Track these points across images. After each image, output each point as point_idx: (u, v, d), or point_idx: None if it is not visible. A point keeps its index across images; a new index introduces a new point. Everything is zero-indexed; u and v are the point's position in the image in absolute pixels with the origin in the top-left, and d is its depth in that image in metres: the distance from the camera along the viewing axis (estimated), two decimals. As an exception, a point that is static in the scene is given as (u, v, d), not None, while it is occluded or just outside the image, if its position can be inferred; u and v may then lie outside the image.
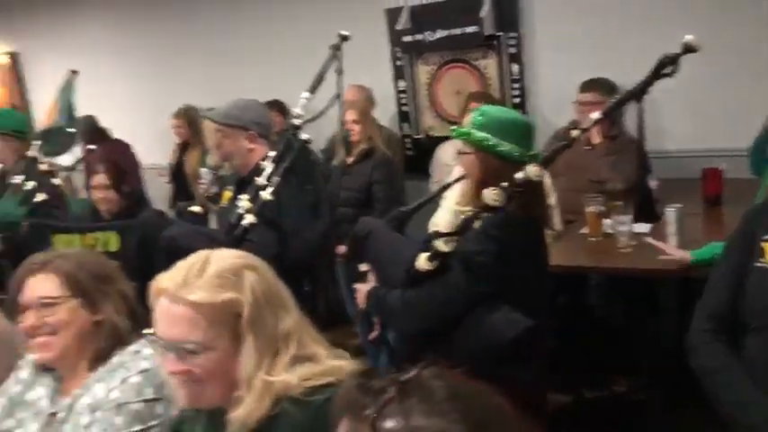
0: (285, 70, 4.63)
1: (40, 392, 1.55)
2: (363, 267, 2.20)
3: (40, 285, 1.49)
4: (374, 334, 2.20)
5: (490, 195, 1.86)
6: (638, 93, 1.97)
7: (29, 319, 1.48)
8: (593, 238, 2.85)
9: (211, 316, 1.12)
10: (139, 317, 1.55)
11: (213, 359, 1.13)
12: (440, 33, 4.25)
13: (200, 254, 1.20)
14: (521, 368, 1.89)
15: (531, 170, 1.88)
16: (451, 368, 0.81)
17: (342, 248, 3.44)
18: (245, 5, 5.06)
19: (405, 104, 4.63)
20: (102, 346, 1.51)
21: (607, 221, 2.82)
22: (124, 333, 1.52)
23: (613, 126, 3.36)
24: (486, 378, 0.80)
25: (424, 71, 4.50)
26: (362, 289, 2.15)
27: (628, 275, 2.69)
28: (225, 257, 1.19)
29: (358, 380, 0.84)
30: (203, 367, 1.13)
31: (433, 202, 2.56)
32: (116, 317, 1.52)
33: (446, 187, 2.44)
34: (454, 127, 2.28)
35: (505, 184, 1.89)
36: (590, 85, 3.46)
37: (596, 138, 3.39)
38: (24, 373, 1.59)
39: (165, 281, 1.15)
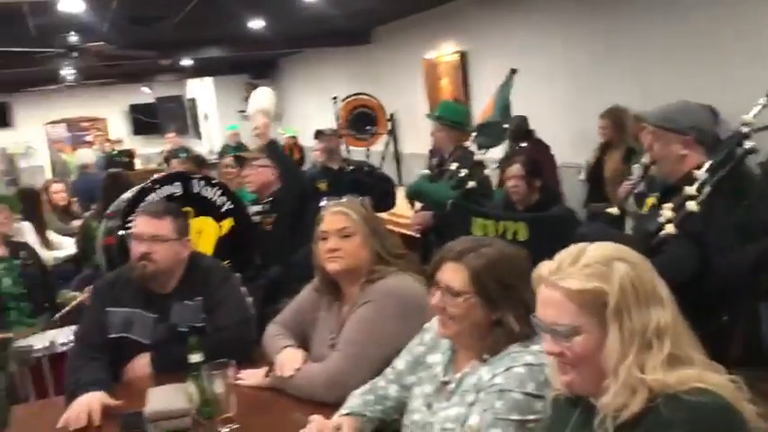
0: (723, 74, 4.22)
1: (437, 358, 1.72)
2: None
3: (450, 274, 1.60)
4: None
5: None
6: None
7: (435, 297, 1.62)
8: None
9: (579, 302, 1.18)
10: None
11: (582, 344, 1.19)
12: None
13: (580, 244, 1.25)
14: None
15: None
16: None
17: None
18: (685, 2, 4.73)
19: None
20: (495, 340, 1.58)
21: None
22: (518, 336, 1.56)
23: None
24: None
25: None
26: None
27: None
28: (600, 248, 1.23)
29: None
30: (573, 351, 1.20)
31: None
32: (512, 321, 1.57)
33: None
34: None
35: None
36: None
37: None
38: (428, 336, 1.77)
39: (544, 268, 1.25)
